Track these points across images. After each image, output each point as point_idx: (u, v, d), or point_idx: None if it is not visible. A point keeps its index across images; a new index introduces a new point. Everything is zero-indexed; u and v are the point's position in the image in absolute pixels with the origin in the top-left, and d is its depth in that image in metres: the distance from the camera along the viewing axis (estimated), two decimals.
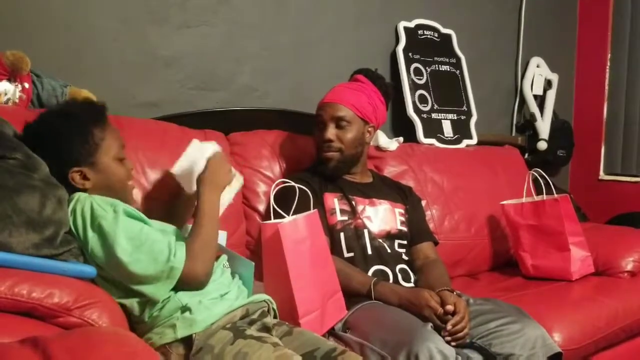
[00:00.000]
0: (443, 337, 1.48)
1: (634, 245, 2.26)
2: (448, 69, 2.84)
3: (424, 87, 2.72)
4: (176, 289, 1.32)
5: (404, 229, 1.91)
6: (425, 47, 2.77)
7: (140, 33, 2.06)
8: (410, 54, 2.71)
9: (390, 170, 2.31)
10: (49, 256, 1.20)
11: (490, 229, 2.42)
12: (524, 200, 2.28)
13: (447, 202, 2.37)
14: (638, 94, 3.35)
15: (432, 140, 2.64)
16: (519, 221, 2.26)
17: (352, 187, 1.91)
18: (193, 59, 2.17)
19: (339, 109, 1.87)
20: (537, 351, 1.53)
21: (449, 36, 2.89)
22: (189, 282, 1.32)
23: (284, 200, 1.63)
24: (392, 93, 2.01)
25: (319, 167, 1.91)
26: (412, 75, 2.69)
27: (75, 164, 1.35)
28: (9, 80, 1.67)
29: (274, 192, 1.60)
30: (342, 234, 1.81)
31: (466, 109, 2.86)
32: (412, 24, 2.76)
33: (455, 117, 2.79)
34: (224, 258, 1.50)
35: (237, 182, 1.64)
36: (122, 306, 1.29)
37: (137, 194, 1.62)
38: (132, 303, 1.31)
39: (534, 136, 3.20)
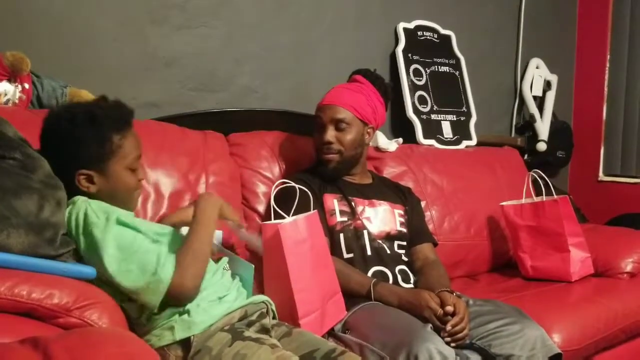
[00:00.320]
0: (443, 338, 1.48)
1: (633, 246, 2.27)
2: (447, 70, 2.84)
3: (423, 88, 2.72)
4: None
5: (404, 230, 1.91)
6: (424, 48, 2.77)
7: (141, 33, 2.06)
8: (409, 55, 2.71)
9: (389, 171, 2.31)
10: (49, 257, 1.20)
11: (489, 230, 2.42)
12: (523, 201, 2.28)
13: (446, 203, 2.37)
14: (637, 95, 3.36)
15: (432, 141, 2.64)
16: (518, 222, 2.25)
17: (352, 188, 1.91)
18: (193, 59, 2.17)
19: (338, 111, 1.87)
20: (537, 352, 1.53)
21: (448, 37, 2.89)
22: (176, 294, 1.27)
23: (285, 201, 1.63)
24: (391, 93, 2.01)
25: (319, 168, 1.91)
26: (412, 76, 2.69)
27: (84, 167, 1.32)
28: (9, 80, 1.67)
29: (274, 192, 1.60)
30: (341, 235, 1.81)
31: (466, 110, 2.86)
32: (411, 25, 2.76)
33: (455, 118, 2.80)
34: (224, 260, 1.49)
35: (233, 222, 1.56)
36: (121, 307, 1.28)
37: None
38: (130, 306, 1.31)
39: (534, 137, 3.20)
